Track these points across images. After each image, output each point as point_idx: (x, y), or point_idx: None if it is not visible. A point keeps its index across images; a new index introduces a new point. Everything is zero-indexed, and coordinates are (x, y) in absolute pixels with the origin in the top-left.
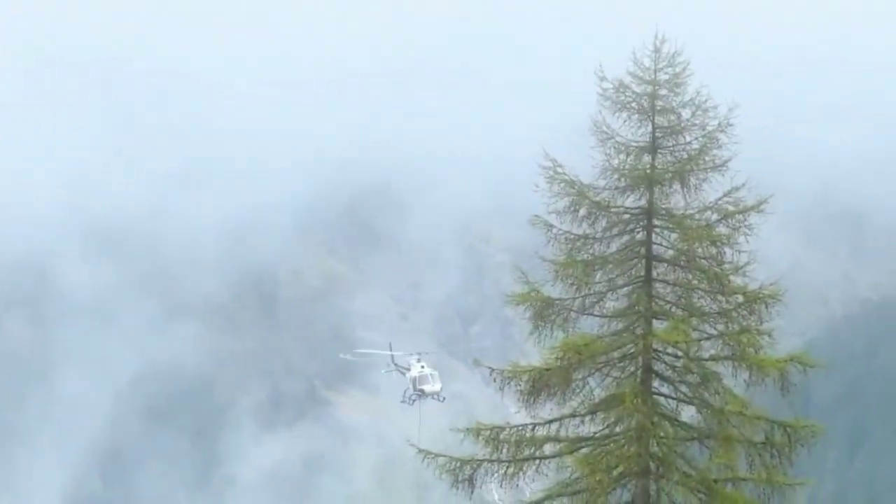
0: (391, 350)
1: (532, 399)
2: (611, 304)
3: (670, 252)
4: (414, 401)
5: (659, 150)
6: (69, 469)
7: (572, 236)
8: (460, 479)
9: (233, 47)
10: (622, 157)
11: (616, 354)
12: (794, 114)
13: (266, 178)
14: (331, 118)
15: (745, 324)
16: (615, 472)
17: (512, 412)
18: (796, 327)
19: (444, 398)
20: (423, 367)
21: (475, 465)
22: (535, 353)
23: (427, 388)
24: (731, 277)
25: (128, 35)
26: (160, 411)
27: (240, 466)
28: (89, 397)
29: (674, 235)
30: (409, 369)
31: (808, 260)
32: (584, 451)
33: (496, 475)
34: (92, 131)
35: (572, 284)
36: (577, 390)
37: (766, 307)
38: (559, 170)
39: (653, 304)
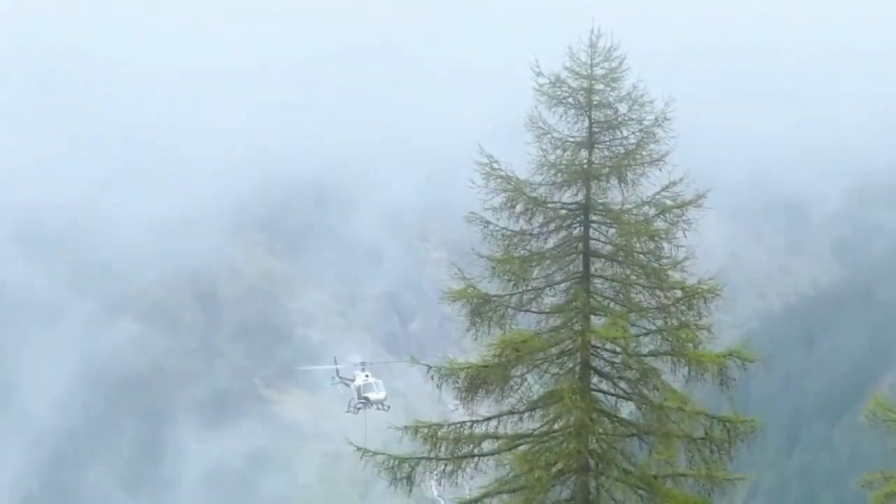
0: (336, 363)
1: (470, 396)
2: (548, 301)
3: (608, 247)
4: (359, 409)
5: (596, 146)
6: (8, 468)
7: (509, 232)
8: (399, 476)
9: (167, 42)
10: (559, 152)
11: (554, 351)
12: (726, 104)
13: (202, 175)
14: (266, 114)
15: (683, 319)
16: (554, 469)
17: (450, 409)
18: (734, 320)
19: (388, 406)
20: (367, 375)
21: (413, 463)
22: (473, 350)
23: (372, 396)
24: (670, 272)
25: (57, 29)
26: (100, 410)
27: (180, 465)
28: (28, 397)
29: (611, 231)
30: (353, 380)
31: (745, 253)
32: (522, 448)
33: (435, 473)
34: (22, 128)
35: (509, 281)
36: (516, 387)
37: (705, 302)
38: (495, 166)
39: (591, 299)
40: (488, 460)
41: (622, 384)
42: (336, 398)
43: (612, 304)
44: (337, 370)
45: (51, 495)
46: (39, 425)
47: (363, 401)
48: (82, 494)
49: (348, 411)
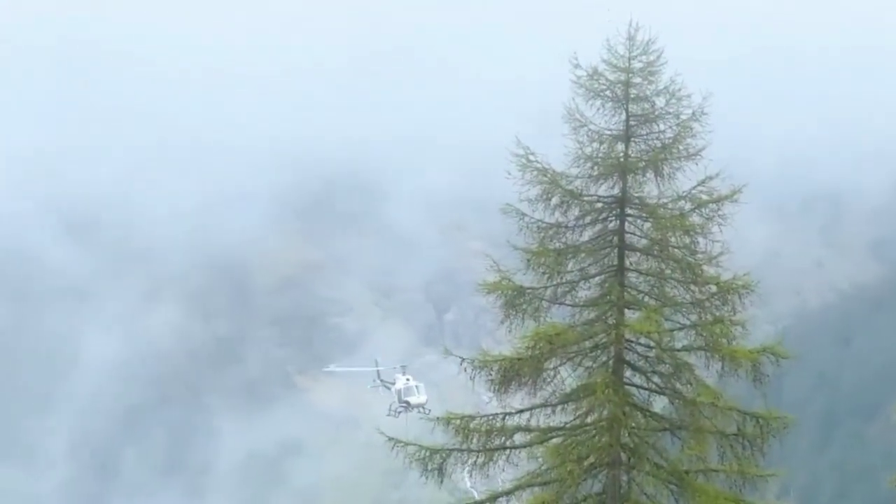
0: (377, 366)
1: (503, 388)
2: (583, 294)
3: (643, 241)
4: (399, 413)
5: (632, 139)
6: (47, 451)
7: (544, 225)
8: (430, 468)
9: (206, 32)
10: (595, 145)
11: (588, 344)
12: (763, 96)
13: (240, 163)
14: (305, 105)
15: (718, 314)
16: (586, 463)
17: (484, 401)
18: (768, 316)
19: (429, 410)
20: (408, 379)
21: (445, 455)
22: (507, 342)
23: (413, 400)
24: (705, 267)
25: (95, 17)
26: (136, 396)
27: (214, 451)
28: (71, 379)
29: (647, 224)
30: (393, 383)
31: (780, 248)
32: (554, 441)
33: (466, 464)
34: (62, 112)
35: (544, 273)
36: (549, 380)
37: (740, 297)
38: (531, 158)
39: (625, 293)
40: (520, 453)
41: (655, 378)
42: (369, 388)
43: (646, 299)
44: (378, 372)
45: (87, 483)
46: (77, 411)
47: (404, 405)
48: (117, 482)
49: (388, 415)
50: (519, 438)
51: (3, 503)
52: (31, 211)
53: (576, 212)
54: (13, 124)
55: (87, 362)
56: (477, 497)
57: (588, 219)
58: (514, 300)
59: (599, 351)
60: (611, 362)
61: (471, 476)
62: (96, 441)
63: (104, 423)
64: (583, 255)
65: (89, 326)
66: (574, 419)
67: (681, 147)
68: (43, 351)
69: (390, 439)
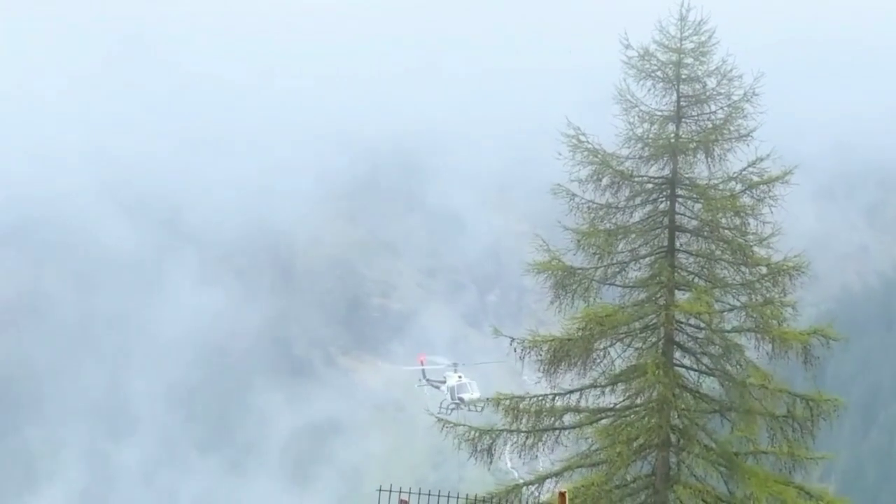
0: (422, 366)
1: (552, 369)
2: (633, 274)
3: (693, 222)
4: (452, 410)
5: (683, 120)
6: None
7: (595, 205)
8: (479, 448)
9: (258, 14)
10: (646, 125)
11: (638, 325)
12: (809, 77)
13: (287, 144)
14: (353, 87)
15: (768, 295)
16: (635, 444)
17: (531, 383)
18: (812, 298)
19: (482, 408)
20: (460, 376)
21: (494, 435)
22: (551, 323)
23: (466, 396)
24: (755, 248)
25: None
26: (185, 376)
27: (258, 429)
28: (129, 355)
29: (697, 205)
30: (444, 381)
31: (825, 230)
32: (604, 422)
33: (515, 445)
34: (118, 100)
35: (594, 254)
36: (598, 361)
37: (790, 279)
38: (582, 138)
39: (675, 274)
40: (569, 434)
41: (705, 360)
42: (416, 387)
43: (696, 280)
44: (423, 371)
45: (127, 461)
46: (133, 387)
47: (457, 402)
48: (161, 459)
49: (440, 412)
50: (568, 419)
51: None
52: (88, 191)
53: (626, 192)
54: (70, 110)
55: (141, 339)
56: (517, 476)
57: (638, 199)
58: (565, 280)
59: (649, 332)
60: (661, 343)
61: (519, 457)
62: (149, 417)
63: (156, 401)
64: (633, 235)
65: (143, 304)
66: (623, 400)
67: (732, 128)
68: (99, 326)
69: (440, 420)
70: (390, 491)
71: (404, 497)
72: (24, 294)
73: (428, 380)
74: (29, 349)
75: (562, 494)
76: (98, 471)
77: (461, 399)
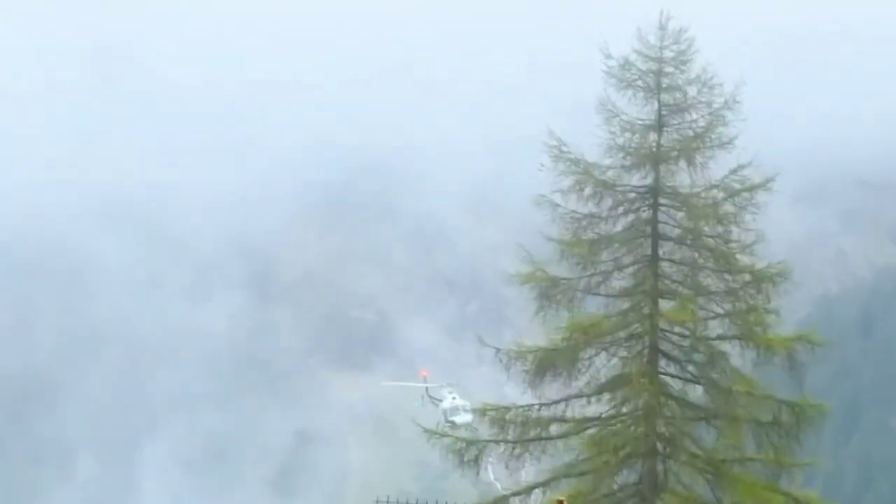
0: (425, 382)
1: (538, 379)
2: (617, 284)
3: (677, 231)
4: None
5: (665, 128)
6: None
7: (578, 215)
8: (466, 459)
9: (241, 39)
10: (628, 135)
11: (622, 334)
12: (782, 84)
13: (265, 156)
14: (330, 98)
15: (752, 303)
16: (622, 453)
17: (516, 395)
18: (790, 304)
19: (476, 429)
20: (454, 398)
21: (481, 446)
22: (532, 333)
23: (458, 419)
24: (738, 256)
25: (132, 14)
26: (160, 389)
27: (238, 442)
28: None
29: (680, 214)
30: (441, 400)
31: (801, 236)
32: (590, 431)
33: (502, 456)
34: (102, 114)
35: (578, 264)
36: (584, 370)
37: (774, 286)
38: (564, 148)
39: (659, 283)
40: (556, 443)
41: (690, 368)
42: (416, 405)
43: (680, 288)
44: (427, 389)
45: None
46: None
47: (449, 424)
48: (147, 469)
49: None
50: (555, 429)
51: None
52: (74, 203)
53: (609, 202)
54: (55, 121)
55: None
56: (500, 487)
57: (621, 209)
58: (549, 291)
59: (634, 341)
60: (645, 352)
61: (507, 467)
62: (121, 433)
63: (128, 416)
64: (616, 245)
65: (124, 314)
66: (609, 409)
67: (713, 136)
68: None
69: (426, 431)
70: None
71: None
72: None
73: (431, 397)
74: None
75: (560, 502)
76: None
77: (453, 422)
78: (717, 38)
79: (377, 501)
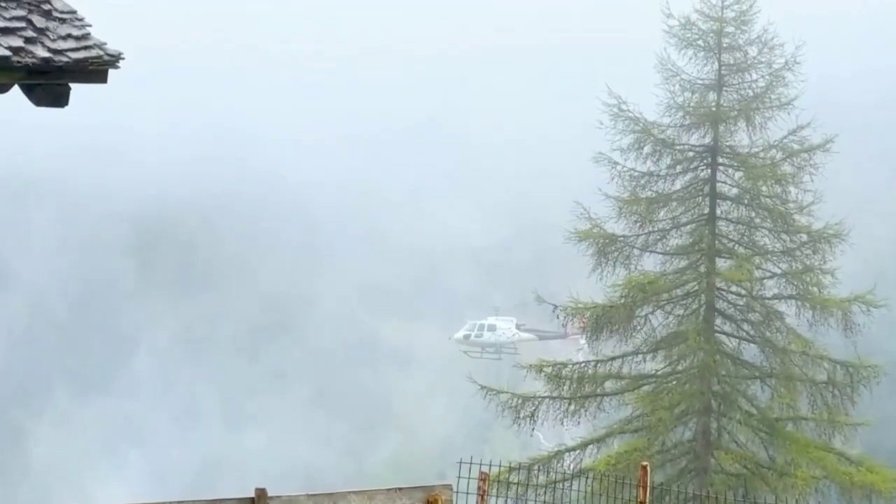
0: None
1: (594, 336)
2: (674, 242)
3: (734, 190)
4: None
5: (724, 88)
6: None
7: (636, 173)
8: (522, 415)
9: None
10: (687, 94)
11: (679, 292)
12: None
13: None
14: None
15: (808, 263)
16: (677, 410)
17: (574, 350)
18: (855, 262)
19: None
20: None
21: (537, 402)
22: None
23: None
24: (796, 216)
25: None
26: None
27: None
28: None
29: (738, 174)
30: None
31: (854, 192)
32: (645, 388)
33: (557, 412)
34: None
35: (636, 222)
36: (639, 328)
37: (830, 246)
38: (623, 107)
39: (716, 242)
40: (611, 400)
41: (746, 326)
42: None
43: (737, 247)
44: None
45: None
46: None
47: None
48: None
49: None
50: (609, 386)
51: None
52: None
53: (667, 161)
54: None
55: None
56: (546, 446)
57: (679, 168)
58: (606, 248)
59: (690, 299)
60: (702, 310)
61: (562, 423)
62: None
63: None
64: (674, 203)
65: None
66: (665, 367)
67: (773, 96)
68: None
69: (483, 387)
70: (471, 463)
71: (485, 469)
72: None
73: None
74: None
75: (643, 468)
76: None
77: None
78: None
79: (460, 461)
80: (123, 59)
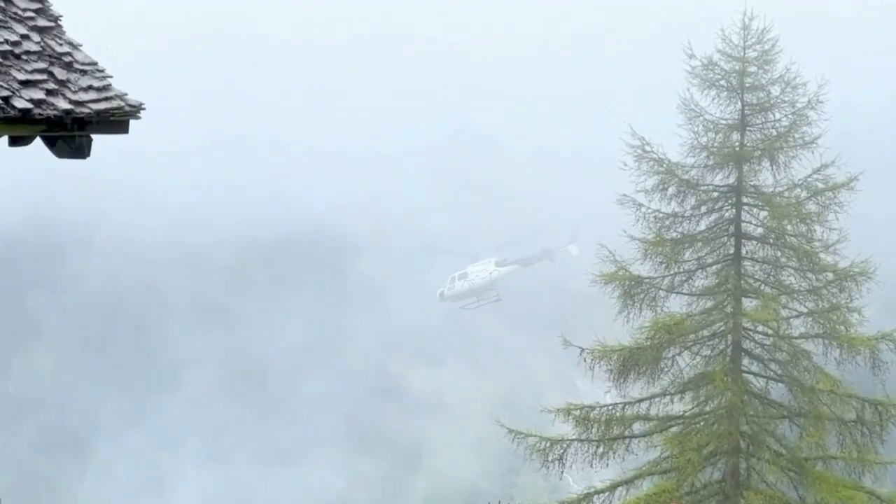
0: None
1: (621, 378)
2: (700, 283)
3: (759, 230)
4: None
5: (748, 128)
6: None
7: (661, 214)
8: (550, 458)
9: None
10: (711, 134)
11: (705, 333)
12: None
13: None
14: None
15: (834, 301)
16: (705, 451)
17: (601, 392)
18: (879, 299)
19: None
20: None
21: (565, 445)
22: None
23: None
24: (821, 255)
25: None
26: None
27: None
28: None
29: (763, 213)
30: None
31: (876, 223)
32: (673, 429)
33: (586, 455)
34: None
35: (661, 263)
36: (667, 369)
37: (857, 284)
38: (647, 148)
39: (742, 281)
40: (639, 442)
41: (773, 366)
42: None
43: (763, 287)
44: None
45: None
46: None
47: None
48: None
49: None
50: (637, 428)
51: None
52: None
53: (692, 201)
54: None
55: None
56: (572, 483)
57: (704, 208)
58: (632, 290)
59: (717, 339)
60: (728, 350)
61: (591, 465)
62: None
63: None
64: (699, 244)
65: None
66: (693, 408)
67: (796, 135)
68: None
69: (511, 431)
70: None
71: None
72: None
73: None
74: None
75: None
76: None
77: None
78: (799, 37)
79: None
80: (144, 109)
